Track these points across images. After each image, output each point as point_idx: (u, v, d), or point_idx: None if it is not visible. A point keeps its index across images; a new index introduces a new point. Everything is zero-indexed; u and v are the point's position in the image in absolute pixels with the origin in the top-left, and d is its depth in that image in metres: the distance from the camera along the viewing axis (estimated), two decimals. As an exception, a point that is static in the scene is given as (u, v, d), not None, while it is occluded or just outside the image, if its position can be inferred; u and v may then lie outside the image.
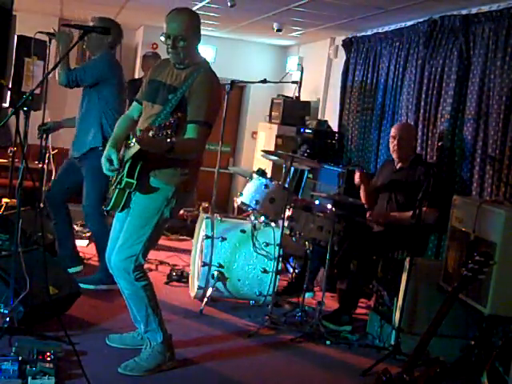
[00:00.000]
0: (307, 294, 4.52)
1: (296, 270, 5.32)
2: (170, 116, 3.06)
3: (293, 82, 7.39)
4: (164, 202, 3.21)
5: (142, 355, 3.32)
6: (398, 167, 4.63)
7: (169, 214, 3.26)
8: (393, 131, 4.65)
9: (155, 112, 3.19)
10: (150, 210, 3.22)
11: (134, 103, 3.44)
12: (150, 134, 2.86)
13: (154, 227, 3.23)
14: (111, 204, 3.26)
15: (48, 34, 4.57)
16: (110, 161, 3.17)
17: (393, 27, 5.89)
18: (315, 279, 5.09)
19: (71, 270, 4.54)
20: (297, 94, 7.36)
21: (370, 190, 4.73)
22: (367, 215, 4.59)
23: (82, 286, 4.17)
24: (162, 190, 3.20)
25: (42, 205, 4.88)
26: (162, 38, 3.16)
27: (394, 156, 4.64)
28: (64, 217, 4.69)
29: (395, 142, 4.57)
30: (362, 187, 4.70)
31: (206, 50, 8.13)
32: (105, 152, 3.23)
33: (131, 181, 3.15)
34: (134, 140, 3.08)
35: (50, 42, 4.81)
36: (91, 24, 4.44)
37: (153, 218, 3.22)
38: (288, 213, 4.43)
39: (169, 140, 2.82)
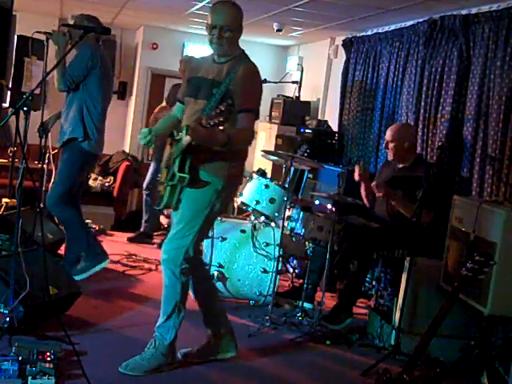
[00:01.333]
0: (306, 305, 4.49)
1: (296, 270, 5.32)
2: (215, 109, 3.10)
3: (293, 82, 7.39)
4: (214, 194, 3.24)
5: (144, 354, 3.31)
6: (399, 167, 4.62)
7: (219, 207, 3.30)
8: (386, 134, 4.65)
9: (199, 107, 3.22)
10: (201, 202, 3.25)
11: (177, 103, 3.49)
12: (203, 123, 2.91)
13: (204, 220, 3.26)
14: (164, 202, 3.28)
15: (45, 33, 4.57)
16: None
17: (393, 27, 5.89)
18: (318, 284, 5.05)
19: (100, 266, 4.58)
20: (297, 94, 7.36)
21: (371, 187, 4.72)
22: (372, 184, 4.48)
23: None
24: (212, 183, 3.23)
25: (42, 205, 4.88)
26: (206, 30, 3.22)
27: (390, 159, 4.64)
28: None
29: (389, 146, 4.55)
30: (363, 185, 4.69)
31: (205, 50, 8.15)
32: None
33: (184, 175, 3.16)
34: (183, 134, 3.10)
35: (47, 42, 4.81)
36: (71, 22, 4.46)
37: (203, 210, 3.25)
38: (288, 213, 4.43)
39: (221, 127, 2.83)
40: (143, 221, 6.46)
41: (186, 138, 3.07)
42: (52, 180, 4.88)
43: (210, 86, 3.20)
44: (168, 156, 3.27)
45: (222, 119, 2.90)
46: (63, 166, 4.56)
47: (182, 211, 3.29)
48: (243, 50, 3.35)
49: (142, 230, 6.46)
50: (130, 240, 6.37)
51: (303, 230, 4.44)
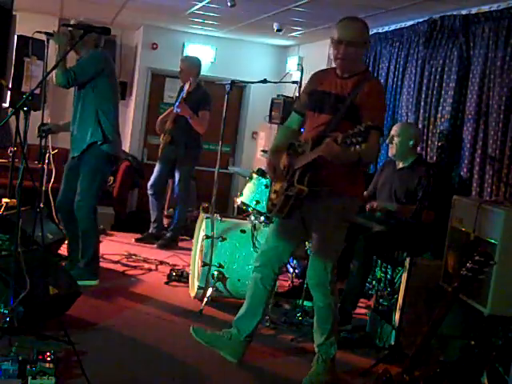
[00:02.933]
0: (306, 302, 4.49)
1: (296, 270, 5.31)
2: (339, 124, 3.14)
3: (293, 82, 7.36)
4: (341, 212, 3.29)
5: (317, 370, 3.40)
6: (399, 167, 4.62)
7: (348, 223, 3.38)
8: (392, 130, 4.66)
9: (323, 121, 3.25)
10: (333, 222, 3.31)
11: (293, 114, 3.52)
12: (338, 140, 2.88)
13: (340, 236, 3.37)
14: (276, 210, 3.36)
15: (46, 33, 4.57)
16: (272, 167, 3.36)
17: (393, 27, 5.89)
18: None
19: (88, 283, 4.53)
20: (297, 94, 7.35)
21: (371, 189, 4.72)
22: (367, 206, 4.53)
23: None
24: (337, 201, 3.27)
25: (42, 205, 4.88)
26: (331, 45, 3.29)
27: (390, 154, 4.64)
28: (75, 229, 4.68)
29: (393, 141, 4.56)
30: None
31: (205, 50, 8.16)
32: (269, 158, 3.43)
33: (303, 187, 3.19)
34: (307, 146, 3.17)
35: (48, 42, 4.82)
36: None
37: (338, 229, 3.33)
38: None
39: (357, 147, 2.80)
40: (151, 222, 6.46)
41: (315, 150, 3.09)
42: (59, 189, 4.85)
43: (334, 101, 3.22)
44: (284, 166, 3.31)
45: (360, 139, 2.80)
46: (89, 175, 4.53)
47: (318, 233, 3.35)
48: (367, 67, 3.38)
49: (150, 231, 6.46)
50: (138, 241, 6.37)
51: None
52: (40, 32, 4.59)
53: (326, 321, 3.41)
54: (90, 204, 4.56)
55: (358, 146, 2.80)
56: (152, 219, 6.43)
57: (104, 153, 4.53)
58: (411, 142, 4.52)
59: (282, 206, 3.31)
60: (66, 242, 4.93)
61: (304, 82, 7.36)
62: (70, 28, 4.34)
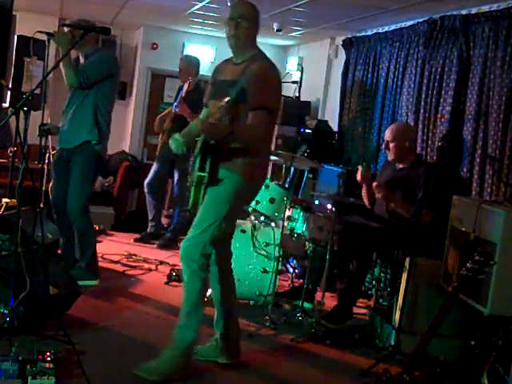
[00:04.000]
0: (306, 305, 4.49)
1: (296, 270, 5.32)
2: (231, 108, 3.16)
3: (293, 82, 7.39)
4: (233, 192, 3.26)
5: (163, 356, 3.27)
6: (399, 167, 4.62)
7: (240, 205, 3.33)
8: (385, 135, 4.65)
9: None
10: (220, 199, 3.27)
11: (204, 107, 3.52)
12: (210, 120, 3.03)
13: (223, 217, 3.26)
14: (191, 202, 3.31)
15: (47, 33, 4.57)
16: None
17: (393, 27, 5.90)
18: (318, 283, 5.05)
19: (88, 283, 4.53)
20: (297, 94, 7.36)
21: (372, 189, 4.71)
22: (373, 185, 4.48)
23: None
24: (231, 180, 3.25)
25: (42, 205, 4.88)
26: (226, 22, 3.37)
27: (389, 159, 4.64)
28: (70, 228, 4.67)
29: (389, 146, 4.55)
30: (364, 186, 4.68)
31: (205, 50, 8.15)
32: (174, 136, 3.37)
33: (202, 174, 3.20)
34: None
35: (48, 42, 4.82)
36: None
37: (222, 207, 3.26)
38: (288, 213, 4.43)
39: (224, 119, 2.95)
40: (149, 220, 6.46)
41: (200, 139, 3.19)
42: (51, 182, 4.87)
43: (228, 87, 3.25)
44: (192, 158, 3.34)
45: (223, 113, 2.98)
46: (80, 175, 4.53)
47: (202, 207, 3.31)
48: (260, 50, 3.39)
49: (148, 230, 6.46)
50: (137, 241, 6.37)
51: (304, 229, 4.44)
52: (41, 32, 4.59)
53: (188, 298, 3.30)
54: (83, 204, 4.56)
55: (224, 119, 2.95)
56: (149, 218, 6.43)
57: (95, 152, 4.53)
58: (407, 144, 4.52)
59: (195, 198, 3.28)
60: (61, 241, 4.91)
61: (304, 82, 7.44)
62: (69, 28, 4.35)
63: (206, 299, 4.11)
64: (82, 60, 4.62)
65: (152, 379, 3.17)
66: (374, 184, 4.42)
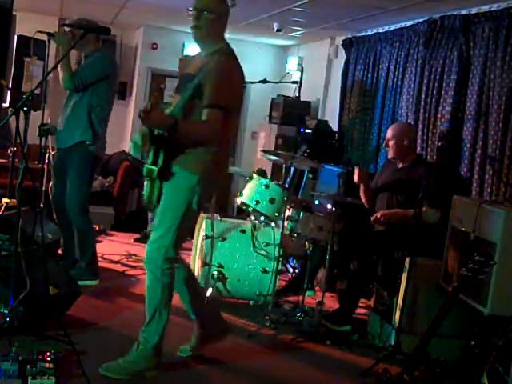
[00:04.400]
0: (308, 293, 4.51)
1: (296, 270, 5.32)
2: (187, 103, 3.11)
3: (293, 82, 7.39)
4: (189, 191, 3.17)
5: (127, 357, 3.25)
6: (399, 167, 4.62)
7: (196, 205, 3.21)
8: (387, 133, 4.66)
9: (176, 102, 3.21)
10: (176, 199, 3.19)
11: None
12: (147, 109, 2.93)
13: (181, 218, 3.19)
14: (144, 195, 3.25)
15: (47, 33, 4.56)
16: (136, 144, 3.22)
17: (393, 27, 5.90)
18: (315, 279, 5.08)
19: (88, 283, 4.53)
20: (297, 94, 7.36)
21: (370, 189, 4.72)
22: (372, 218, 4.52)
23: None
24: (187, 179, 3.17)
25: (42, 205, 4.88)
26: (189, 13, 3.27)
27: (389, 157, 4.65)
28: (70, 227, 4.67)
29: (389, 144, 4.56)
30: (362, 187, 4.69)
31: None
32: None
33: (152, 167, 3.14)
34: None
35: (49, 42, 4.81)
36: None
37: (179, 208, 3.19)
38: (288, 213, 4.43)
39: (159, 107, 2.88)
40: (149, 220, 6.46)
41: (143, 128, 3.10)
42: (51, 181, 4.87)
43: (187, 81, 3.18)
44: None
45: (154, 101, 2.92)
46: (77, 176, 4.53)
47: (159, 209, 3.24)
48: (227, 44, 3.28)
49: (147, 229, 6.46)
50: (136, 241, 6.37)
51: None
52: (41, 32, 4.58)
53: (151, 304, 3.25)
54: (81, 204, 4.56)
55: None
56: (149, 218, 6.43)
57: (90, 153, 4.53)
58: (406, 142, 4.53)
59: (148, 191, 3.22)
60: (61, 240, 4.91)
61: (304, 82, 7.44)
62: (69, 28, 4.34)
63: (205, 299, 4.12)
64: (83, 61, 4.62)
65: (113, 376, 3.16)
66: (372, 218, 4.46)
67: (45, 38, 4.60)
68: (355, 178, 4.64)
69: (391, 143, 4.54)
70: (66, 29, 4.46)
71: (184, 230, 3.27)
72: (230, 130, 3.28)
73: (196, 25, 3.22)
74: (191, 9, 3.24)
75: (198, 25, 3.21)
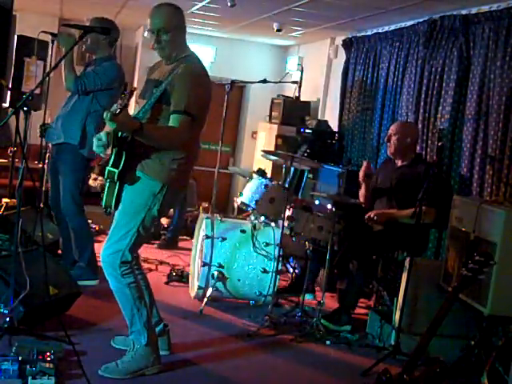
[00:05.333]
0: (307, 296, 4.50)
1: (296, 270, 5.32)
2: (153, 107, 3.10)
3: (293, 82, 7.38)
4: (150, 197, 3.15)
5: (124, 358, 3.25)
6: (398, 165, 4.62)
7: (156, 212, 3.18)
8: (390, 129, 4.66)
9: (142, 107, 3.19)
10: (137, 205, 3.17)
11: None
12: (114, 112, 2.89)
13: (140, 223, 3.17)
14: (103, 199, 3.20)
15: (51, 34, 4.56)
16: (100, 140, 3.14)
17: (393, 27, 5.89)
18: (315, 280, 5.09)
19: (88, 283, 4.54)
20: (297, 94, 7.36)
21: (370, 189, 4.72)
22: (365, 216, 4.53)
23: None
24: (149, 185, 3.15)
25: (42, 205, 4.89)
26: (146, 34, 3.20)
27: (389, 153, 4.64)
28: (68, 227, 4.66)
29: (391, 139, 4.56)
30: (364, 185, 4.68)
31: (205, 50, 8.15)
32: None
33: (113, 170, 3.10)
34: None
35: (52, 43, 4.82)
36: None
37: (139, 213, 3.16)
38: (288, 213, 4.43)
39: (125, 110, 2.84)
40: None
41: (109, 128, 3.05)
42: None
43: (153, 86, 3.18)
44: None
45: (122, 103, 2.87)
46: (69, 176, 4.52)
47: (118, 213, 3.23)
48: (193, 52, 3.28)
49: None
50: None
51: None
52: (46, 32, 4.58)
53: (125, 306, 3.25)
54: (75, 204, 4.55)
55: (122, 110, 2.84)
56: None
57: (80, 155, 4.50)
58: (408, 140, 4.53)
59: (107, 195, 3.18)
60: (60, 240, 4.91)
61: (304, 82, 7.43)
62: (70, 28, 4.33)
63: (205, 299, 4.12)
64: (92, 65, 4.59)
65: (113, 377, 3.16)
66: (366, 216, 4.44)
67: (45, 38, 4.61)
68: (361, 173, 4.62)
69: (394, 138, 4.53)
70: (73, 30, 4.44)
71: (142, 235, 3.23)
72: (196, 139, 3.28)
73: (157, 47, 3.19)
74: (148, 31, 3.20)
75: (159, 47, 3.19)
